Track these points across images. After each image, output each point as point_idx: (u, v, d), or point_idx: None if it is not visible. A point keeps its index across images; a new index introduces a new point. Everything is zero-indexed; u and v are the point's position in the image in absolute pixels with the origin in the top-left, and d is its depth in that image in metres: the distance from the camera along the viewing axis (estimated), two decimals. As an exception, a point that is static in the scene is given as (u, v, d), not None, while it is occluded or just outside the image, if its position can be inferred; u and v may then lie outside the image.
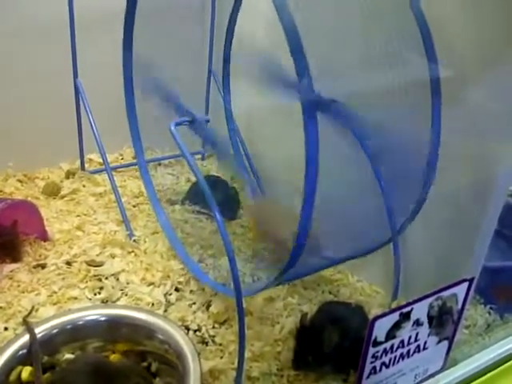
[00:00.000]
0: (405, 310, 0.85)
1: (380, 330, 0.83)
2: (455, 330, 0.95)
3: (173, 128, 1.04)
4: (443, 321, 0.92)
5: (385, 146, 1.14)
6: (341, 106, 1.14)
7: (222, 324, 1.18)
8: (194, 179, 1.80)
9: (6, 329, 1.13)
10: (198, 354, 0.95)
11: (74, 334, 1.03)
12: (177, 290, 1.28)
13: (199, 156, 1.98)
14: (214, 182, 1.69)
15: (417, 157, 1.07)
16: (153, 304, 1.22)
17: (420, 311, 0.87)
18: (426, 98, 1.02)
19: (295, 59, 0.77)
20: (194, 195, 1.66)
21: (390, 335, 0.85)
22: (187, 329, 1.15)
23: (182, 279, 1.31)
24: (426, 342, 0.92)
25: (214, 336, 1.15)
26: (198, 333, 1.15)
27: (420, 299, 0.87)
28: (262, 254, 1.39)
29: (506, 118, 1.00)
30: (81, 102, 1.65)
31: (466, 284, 0.91)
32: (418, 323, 0.88)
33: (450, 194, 1.10)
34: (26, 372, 0.95)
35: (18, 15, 1.59)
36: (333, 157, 1.23)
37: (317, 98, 0.91)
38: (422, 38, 0.99)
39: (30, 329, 1.00)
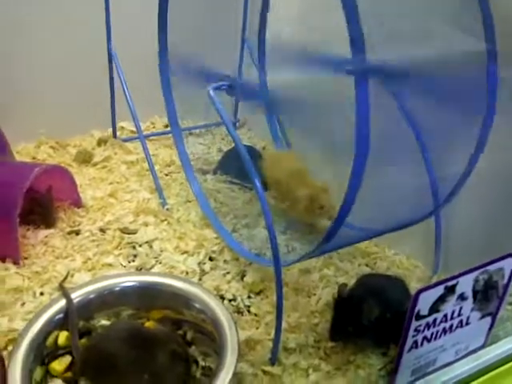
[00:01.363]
0: (450, 284, 0.83)
1: (424, 303, 0.81)
2: (499, 306, 0.92)
3: (212, 92, 1.01)
4: (488, 296, 0.90)
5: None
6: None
7: (257, 294, 1.17)
8: (225, 149, 1.78)
9: (41, 294, 1.13)
10: (235, 323, 0.94)
11: (110, 300, 1.03)
12: (211, 259, 1.27)
13: (231, 126, 1.95)
14: (247, 151, 1.67)
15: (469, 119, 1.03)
16: (187, 273, 1.21)
17: (465, 285, 0.85)
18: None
19: (349, 23, 0.74)
20: (226, 165, 1.64)
21: (434, 309, 0.83)
22: (222, 298, 1.14)
23: (215, 248, 1.30)
24: (468, 317, 0.90)
25: (249, 306, 1.14)
26: (233, 302, 1.14)
27: (466, 272, 0.84)
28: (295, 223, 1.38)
29: None
30: (114, 70, 1.63)
31: (512, 259, 0.89)
32: (462, 297, 0.86)
33: (499, 167, 1.07)
34: (62, 337, 0.96)
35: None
36: (377, 124, 1.21)
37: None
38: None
39: (66, 294, 0.99)
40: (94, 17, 1.56)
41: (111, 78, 1.66)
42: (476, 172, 1.04)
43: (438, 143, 1.09)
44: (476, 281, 0.87)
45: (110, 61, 1.62)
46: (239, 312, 1.12)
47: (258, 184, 0.98)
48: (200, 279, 1.20)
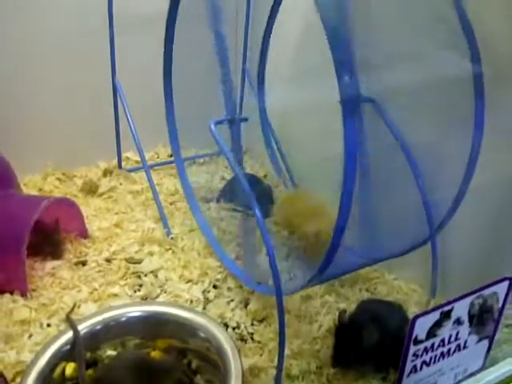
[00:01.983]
0: (446, 309, 0.85)
1: (421, 328, 0.83)
2: (496, 329, 0.94)
3: (213, 127, 1.05)
4: (484, 319, 0.92)
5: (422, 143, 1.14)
6: (378, 106, 1.15)
7: (260, 322, 1.19)
8: (227, 177, 1.81)
9: (49, 325, 1.16)
10: (239, 351, 0.96)
11: (116, 330, 1.05)
12: (215, 287, 1.30)
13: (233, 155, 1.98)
14: (249, 179, 1.69)
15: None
16: (191, 301, 1.24)
17: (461, 310, 0.87)
18: (469, 96, 1.02)
19: (335, 57, 0.77)
20: (229, 193, 1.67)
21: (431, 334, 0.85)
22: (226, 326, 1.17)
23: (219, 276, 1.33)
24: (466, 341, 0.92)
25: (252, 333, 1.16)
26: (236, 330, 1.17)
27: (461, 297, 0.87)
28: (297, 251, 1.40)
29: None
30: (119, 102, 1.67)
31: (506, 282, 0.91)
32: (458, 322, 0.88)
33: (491, 193, 1.09)
34: (69, 368, 0.98)
35: (58, 16, 1.61)
36: (370, 154, 1.24)
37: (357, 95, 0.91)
38: (465, 37, 0.98)
39: (73, 325, 1.02)
40: (99, 49, 1.61)
41: (116, 110, 1.70)
42: (468, 199, 1.06)
43: (429, 170, 1.12)
44: (471, 305, 0.89)
45: (115, 93, 1.66)
46: (243, 339, 1.14)
47: (257, 212, 1.01)
48: (204, 307, 1.22)
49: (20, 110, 1.65)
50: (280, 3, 1.45)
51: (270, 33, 1.53)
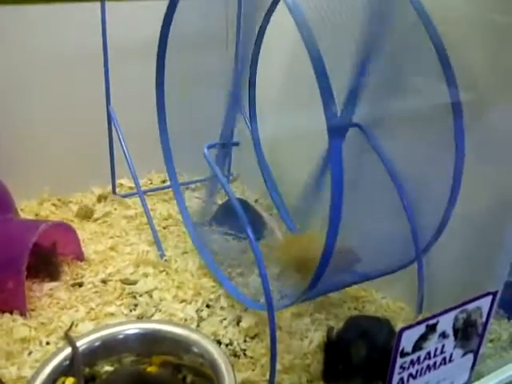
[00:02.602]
0: (431, 322, 0.88)
1: (407, 341, 0.86)
2: (480, 343, 0.97)
3: (206, 151, 1.10)
4: (468, 333, 0.94)
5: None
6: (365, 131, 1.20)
7: (252, 338, 1.23)
8: (219, 202, 1.85)
9: (47, 343, 1.19)
10: (232, 366, 1.00)
11: (113, 347, 1.08)
12: (208, 306, 1.33)
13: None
14: (241, 204, 1.74)
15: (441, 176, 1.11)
16: (185, 320, 1.27)
17: (445, 323, 0.90)
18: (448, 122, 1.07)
19: (320, 85, 0.82)
20: (221, 217, 1.70)
21: (417, 347, 0.88)
22: (219, 343, 1.20)
23: (212, 296, 1.36)
24: (451, 355, 0.94)
25: (245, 349, 1.19)
26: (229, 346, 1.20)
27: (445, 311, 0.90)
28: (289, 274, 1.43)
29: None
30: (113, 129, 1.71)
31: (489, 297, 0.94)
32: (443, 335, 0.91)
33: (474, 211, 1.14)
34: (69, 382, 1.00)
35: (54, 45, 1.65)
36: (357, 178, 1.29)
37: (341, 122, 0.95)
38: (440, 63, 1.03)
39: (71, 342, 1.05)
40: (94, 77, 1.65)
41: (110, 137, 1.74)
42: (452, 219, 1.11)
43: (415, 193, 1.17)
44: (456, 319, 0.92)
45: (109, 120, 1.71)
46: (236, 355, 1.17)
47: (250, 233, 1.05)
48: (198, 325, 1.26)
49: (16, 137, 1.69)
50: (264, 33, 1.50)
51: (258, 57, 1.58)
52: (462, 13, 1.08)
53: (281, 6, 1.39)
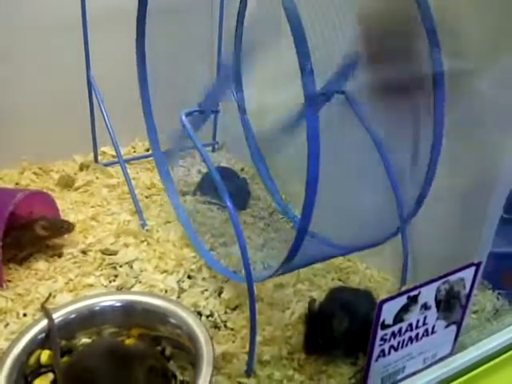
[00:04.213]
0: (412, 294, 0.87)
1: (388, 312, 0.85)
2: (463, 315, 0.96)
3: (184, 118, 1.06)
4: (451, 305, 0.93)
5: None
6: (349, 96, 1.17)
7: (233, 309, 1.21)
8: (204, 170, 1.82)
9: (24, 315, 1.16)
10: (211, 338, 0.98)
11: (91, 319, 1.06)
12: (189, 277, 1.31)
13: (210, 148, 2.00)
14: (225, 173, 1.72)
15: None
16: (166, 291, 1.25)
17: (427, 295, 0.89)
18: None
19: (298, 50, 0.79)
20: (205, 186, 1.68)
21: (398, 318, 0.87)
22: (200, 314, 1.18)
23: (194, 267, 1.34)
24: (434, 326, 0.93)
25: (225, 321, 1.18)
26: (210, 318, 1.18)
27: (427, 283, 0.89)
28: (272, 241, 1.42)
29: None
30: (93, 96, 1.67)
31: (473, 268, 0.93)
32: (425, 307, 0.90)
33: (457, 183, 1.12)
34: (44, 355, 0.99)
35: (32, 12, 1.62)
36: (340, 145, 1.26)
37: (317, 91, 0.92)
38: (424, 27, 1.00)
39: (48, 314, 1.03)
40: (73, 44, 1.62)
41: (91, 106, 1.71)
42: (436, 190, 1.09)
43: (397, 165, 1.15)
44: (438, 291, 0.91)
45: (90, 89, 1.67)
46: (216, 327, 1.16)
47: (229, 204, 1.02)
48: (179, 297, 1.24)
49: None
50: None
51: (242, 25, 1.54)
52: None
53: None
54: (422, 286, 0.88)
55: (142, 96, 1.50)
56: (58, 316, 1.03)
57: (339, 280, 1.33)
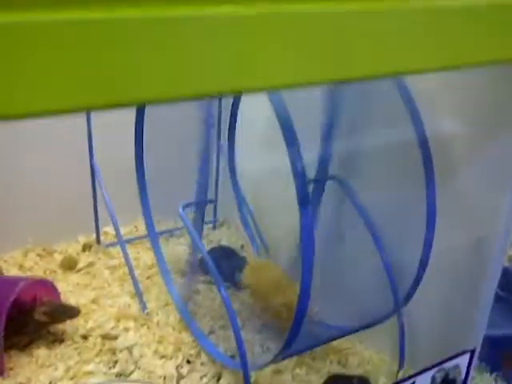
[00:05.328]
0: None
1: (383, 403, 0.86)
2: (461, 401, 0.97)
3: (181, 211, 1.10)
4: (448, 392, 0.94)
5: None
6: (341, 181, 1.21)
7: (232, 396, 1.22)
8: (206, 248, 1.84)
9: (25, 404, 1.17)
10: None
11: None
12: (188, 362, 1.32)
13: (211, 225, 2.03)
14: (225, 251, 1.75)
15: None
16: (164, 377, 1.26)
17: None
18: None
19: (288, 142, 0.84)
20: (206, 265, 1.70)
21: (394, 408, 0.88)
22: (199, 401, 1.19)
23: (192, 351, 1.35)
24: (432, 414, 0.94)
25: (224, 408, 1.18)
26: (208, 405, 1.19)
27: (422, 372, 0.90)
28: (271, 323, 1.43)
29: (501, 183, 1.04)
30: (96, 179, 1.72)
31: (467, 355, 0.94)
32: (421, 396, 0.90)
33: (450, 266, 1.14)
34: None
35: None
36: (335, 226, 1.30)
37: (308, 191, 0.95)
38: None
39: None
40: (77, 132, 1.66)
41: (94, 190, 1.76)
42: (430, 273, 1.11)
43: (392, 245, 1.17)
44: (433, 379, 0.91)
45: (93, 174, 1.72)
46: (215, 415, 1.16)
47: (222, 290, 1.05)
48: (177, 383, 1.24)
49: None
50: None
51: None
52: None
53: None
54: (416, 375, 0.89)
55: (137, 176, 1.56)
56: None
57: (338, 363, 1.32)
